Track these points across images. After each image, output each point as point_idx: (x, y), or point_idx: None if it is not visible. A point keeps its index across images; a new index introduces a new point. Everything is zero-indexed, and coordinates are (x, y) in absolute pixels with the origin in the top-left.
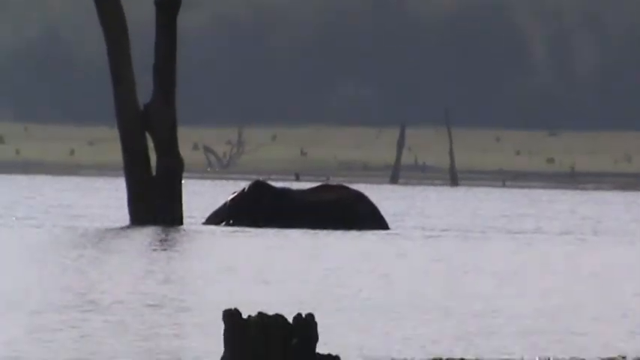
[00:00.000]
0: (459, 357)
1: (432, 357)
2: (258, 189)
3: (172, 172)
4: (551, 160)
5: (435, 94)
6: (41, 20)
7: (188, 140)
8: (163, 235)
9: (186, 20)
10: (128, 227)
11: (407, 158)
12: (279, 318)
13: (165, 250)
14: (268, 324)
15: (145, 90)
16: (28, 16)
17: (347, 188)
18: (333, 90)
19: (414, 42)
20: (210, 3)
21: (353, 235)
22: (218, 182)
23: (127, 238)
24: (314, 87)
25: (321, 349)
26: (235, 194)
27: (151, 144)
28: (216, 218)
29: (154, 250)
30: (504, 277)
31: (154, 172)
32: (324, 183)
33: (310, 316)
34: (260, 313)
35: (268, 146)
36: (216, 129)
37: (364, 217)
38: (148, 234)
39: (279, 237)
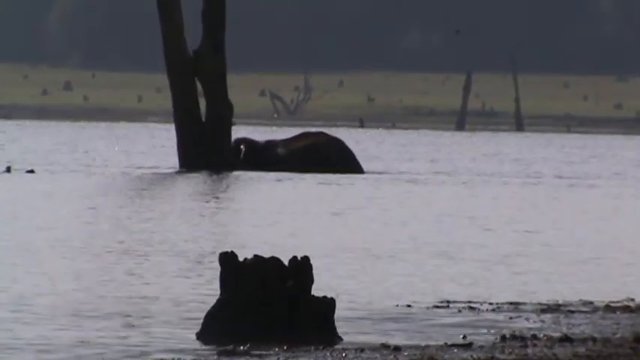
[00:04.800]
0: (467, 300)
1: (436, 301)
2: (239, 145)
3: (221, 118)
4: (618, 106)
5: (501, 40)
6: None
7: (255, 86)
8: (211, 182)
9: None
10: (177, 173)
11: (474, 104)
12: (274, 260)
13: (211, 196)
14: (263, 266)
15: (194, 36)
16: None
17: (325, 134)
18: (400, 36)
19: None
20: None
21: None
22: (285, 129)
23: (175, 184)
24: (381, 33)
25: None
26: None
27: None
28: None
29: (201, 196)
30: (485, 222)
31: (203, 118)
32: (305, 131)
33: (305, 258)
34: (256, 256)
35: (335, 92)
36: (283, 75)
37: (338, 161)
38: (195, 179)
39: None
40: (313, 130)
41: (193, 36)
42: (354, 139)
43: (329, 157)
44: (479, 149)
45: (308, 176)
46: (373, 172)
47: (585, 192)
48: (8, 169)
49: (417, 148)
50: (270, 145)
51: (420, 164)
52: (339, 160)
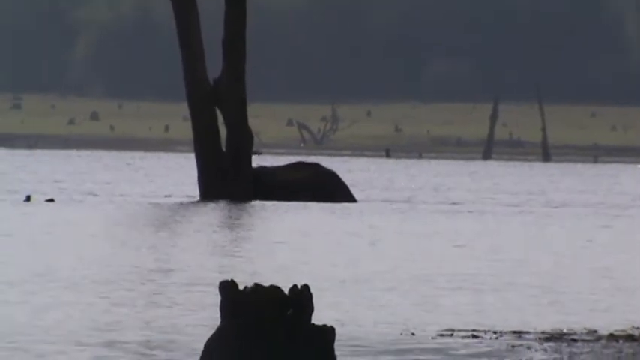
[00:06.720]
0: (471, 328)
1: (444, 329)
2: None
3: (241, 147)
4: None
5: (529, 70)
6: None
7: (282, 116)
8: (231, 211)
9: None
10: (197, 202)
11: (501, 134)
12: (274, 289)
13: (231, 226)
14: (263, 295)
15: (215, 66)
16: None
17: (319, 166)
18: (427, 66)
19: (508, 17)
20: None
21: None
22: (312, 158)
23: (195, 213)
24: (409, 63)
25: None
26: None
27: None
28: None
29: (221, 226)
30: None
31: (224, 147)
32: (299, 161)
33: (305, 287)
34: (256, 284)
35: (362, 122)
36: (310, 105)
37: (332, 192)
38: (216, 210)
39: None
40: (345, 157)
41: (214, 65)
42: (374, 169)
43: (323, 189)
44: (499, 179)
45: (315, 206)
46: (375, 201)
47: (601, 222)
48: (28, 198)
49: (431, 177)
50: (262, 172)
51: (432, 193)
52: (333, 192)
